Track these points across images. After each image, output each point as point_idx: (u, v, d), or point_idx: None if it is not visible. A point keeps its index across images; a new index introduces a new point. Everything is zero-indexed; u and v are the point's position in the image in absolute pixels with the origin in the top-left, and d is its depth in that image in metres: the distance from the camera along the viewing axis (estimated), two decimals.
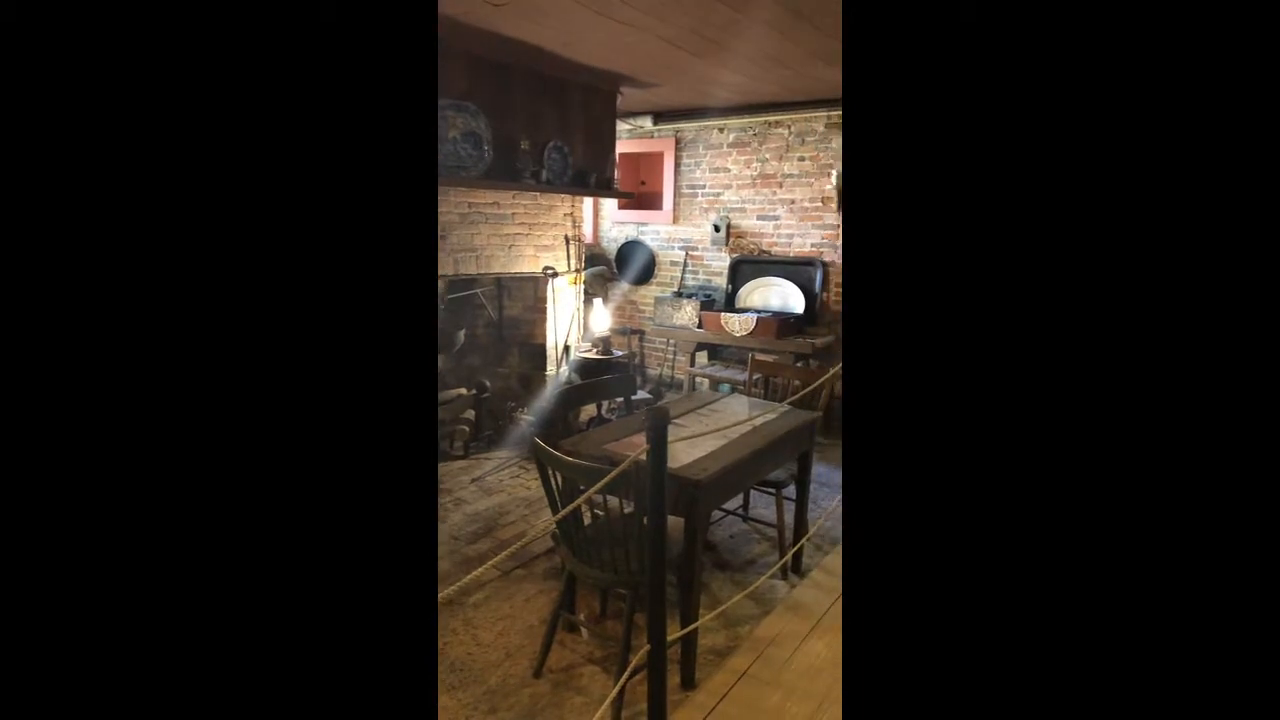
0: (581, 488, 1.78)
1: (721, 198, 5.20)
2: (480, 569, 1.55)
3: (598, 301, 4.56)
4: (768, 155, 4.94)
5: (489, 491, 3.52)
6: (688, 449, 2.21)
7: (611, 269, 5.70)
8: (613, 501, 2.03)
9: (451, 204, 3.52)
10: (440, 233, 3.48)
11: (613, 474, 1.67)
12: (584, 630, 2.34)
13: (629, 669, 1.79)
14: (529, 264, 4.04)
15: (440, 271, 3.54)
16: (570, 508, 1.76)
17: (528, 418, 4.18)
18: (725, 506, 3.10)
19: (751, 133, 4.99)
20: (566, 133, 3.98)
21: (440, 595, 1.86)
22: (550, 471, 1.94)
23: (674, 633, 2.00)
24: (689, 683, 2.06)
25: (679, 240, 5.48)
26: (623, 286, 5.73)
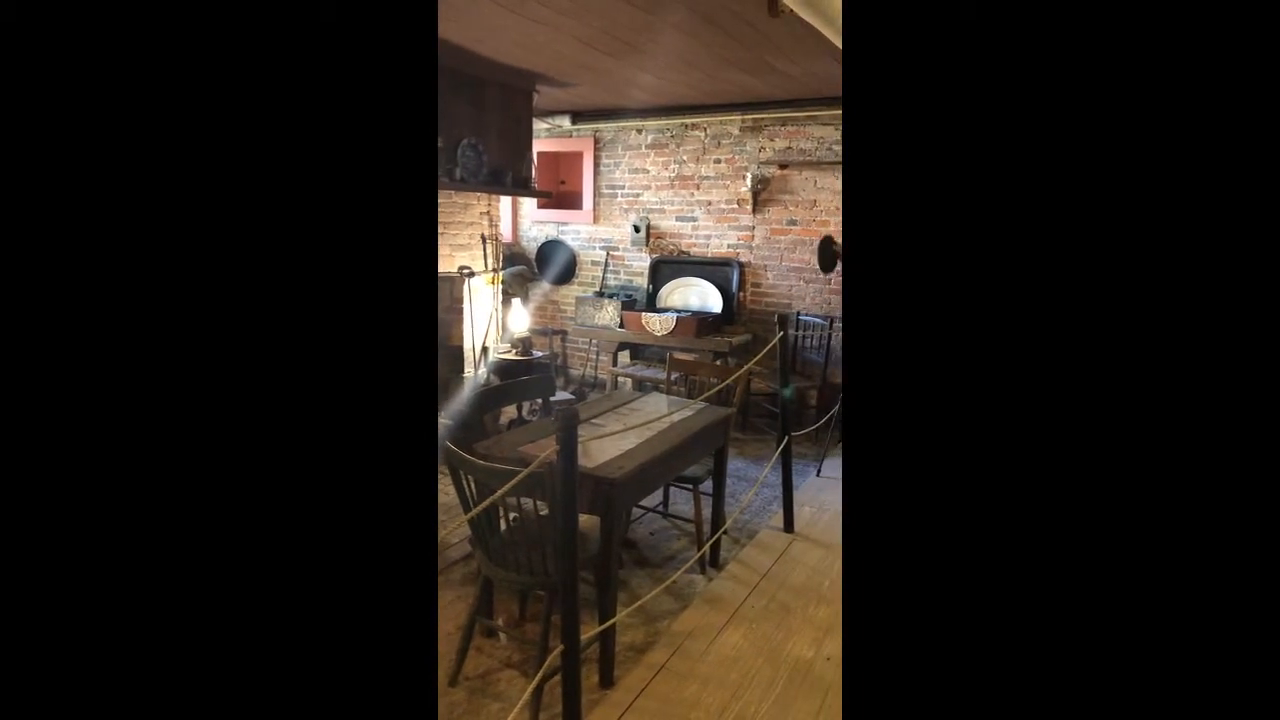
0: (495, 490, 1.76)
1: (641, 198, 5.25)
2: None
3: (517, 301, 4.50)
4: (685, 157, 5.02)
5: None
6: (605, 447, 2.22)
7: (532, 269, 5.65)
8: (528, 504, 2.01)
9: None
10: None
11: (521, 475, 1.66)
12: (502, 635, 2.31)
13: (544, 670, 1.78)
14: (444, 263, 3.95)
15: None
16: (479, 508, 1.74)
17: (444, 421, 4.08)
18: (645, 504, 3.13)
19: (669, 134, 5.05)
20: (481, 130, 3.92)
21: None
22: (463, 476, 1.90)
23: (592, 631, 2.00)
24: (607, 681, 2.07)
25: (600, 240, 5.48)
26: (544, 286, 5.69)
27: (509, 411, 4.19)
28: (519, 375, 3.98)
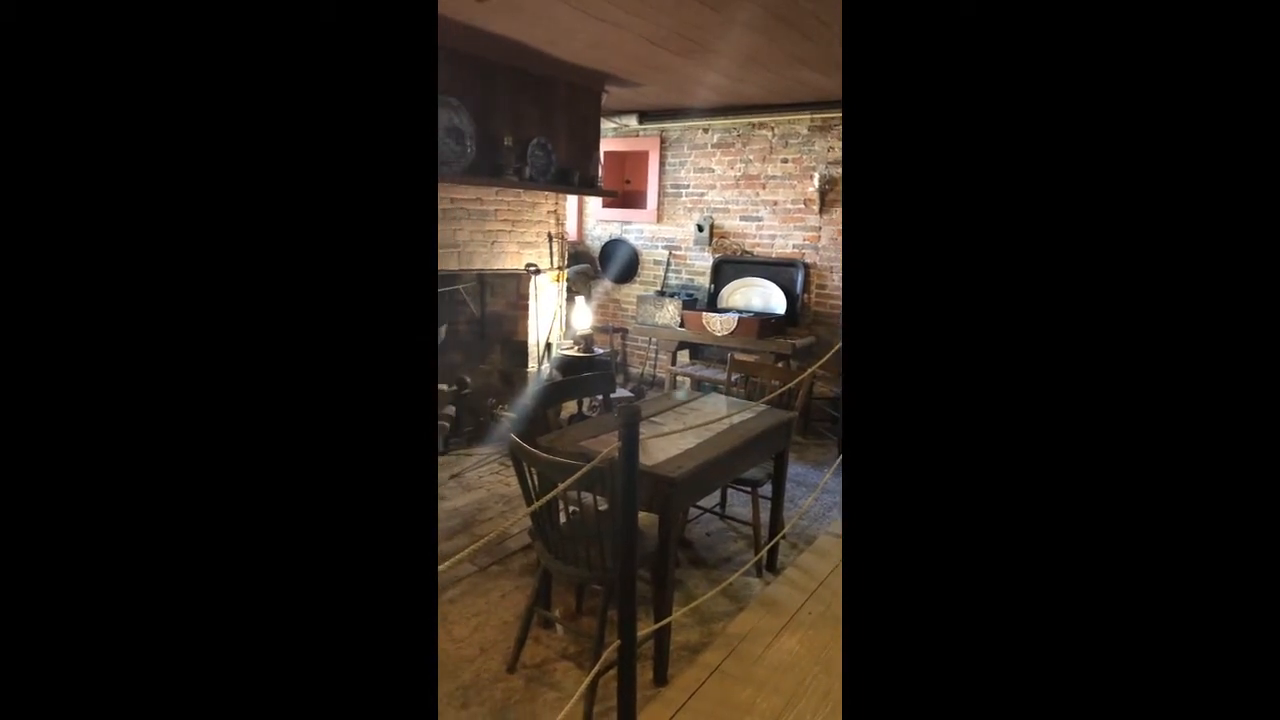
0: (556, 484, 1.79)
1: (705, 198, 5.23)
2: (451, 561, 1.55)
3: (580, 299, 4.56)
4: (751, 156, 4.97)
5: (468, 488, 3.51)
6: (664, 446, 2.23)
7: (595, 267, 5.71)
8: (587, 498, 2.04)
9: None
10: None
11: (584, 470, 1.69)
12: (559, 626, 2.35)
13: (600, 664, 1.80)
14: (511, 261, 4.04)
15: None
16: (542, 501, 1.78)
17: (508, 414, 4.18)
18: (702, 504, 3.12)
19: (736, 134, 5.02)
20: (550, 130, 3.98)
21: None
22: (526, 468, 1.95)
23: (647, 628, 2.01)
24: (661, 678, 2.08)
25: (663, 239, 5.49)
26: (605, 284, 5.74)
27: (570, 406, 4.25)
28: (580, 372, 4.04)
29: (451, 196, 3.60)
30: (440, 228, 3.57)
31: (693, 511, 3.14)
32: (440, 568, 1.56)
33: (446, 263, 3.64)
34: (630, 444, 1.56)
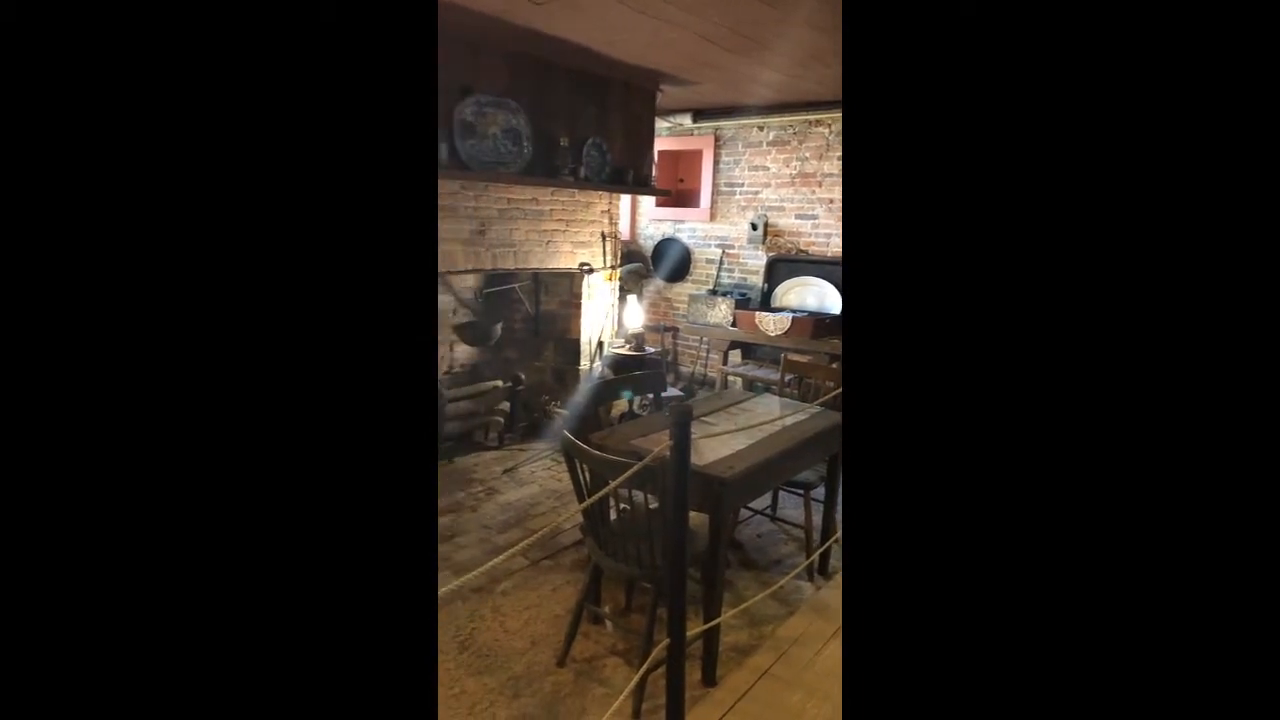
0: (608, 481, 1.81)
1: (760, 196, 5.18)
2: (505, 554, 1.59)
3: (632, 298, 4.59)
4: (807, 154, 4.90)
5: (521, 483, 3.58)
6: (715, 446, 2.22)
7: (647, 266, 5.73)
8: (638, 496, 2.05)
9: (491, 199, 3.58)
10: (479, 227, 3.55)
11: (635, 468, 1.70)
12: (608, 622, 2.37)
13: (649, 662, 1.81)
14: (565, 260, 4.09)
15: (479, 266, 3.61)
16: (594, 499, 1.79)
17: (561, 411, 4.23)
18: (753, 506, 3.09)
19: (791, 131, 4.95)
20: (605, 130, 4.01)
21: (469, 582, 1.92)
22: (578, 464, 1.97)
23: (696, 628, 2.01)
24: (710, 679, 2.07)
25: (715, 238, 5.46)
26: (657, 283, 5.75)
27: (620, 404, 4.28)
28: (631, 370, 4.06)
29: (508, 197, 3.67)
30: (497, 227, 3.64)
31: (744, 513, 3.12)
32: (494, 561, 1.60)
33: (503, 262, 3.71)
34: (682, 443, 1.56)
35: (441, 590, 1.48)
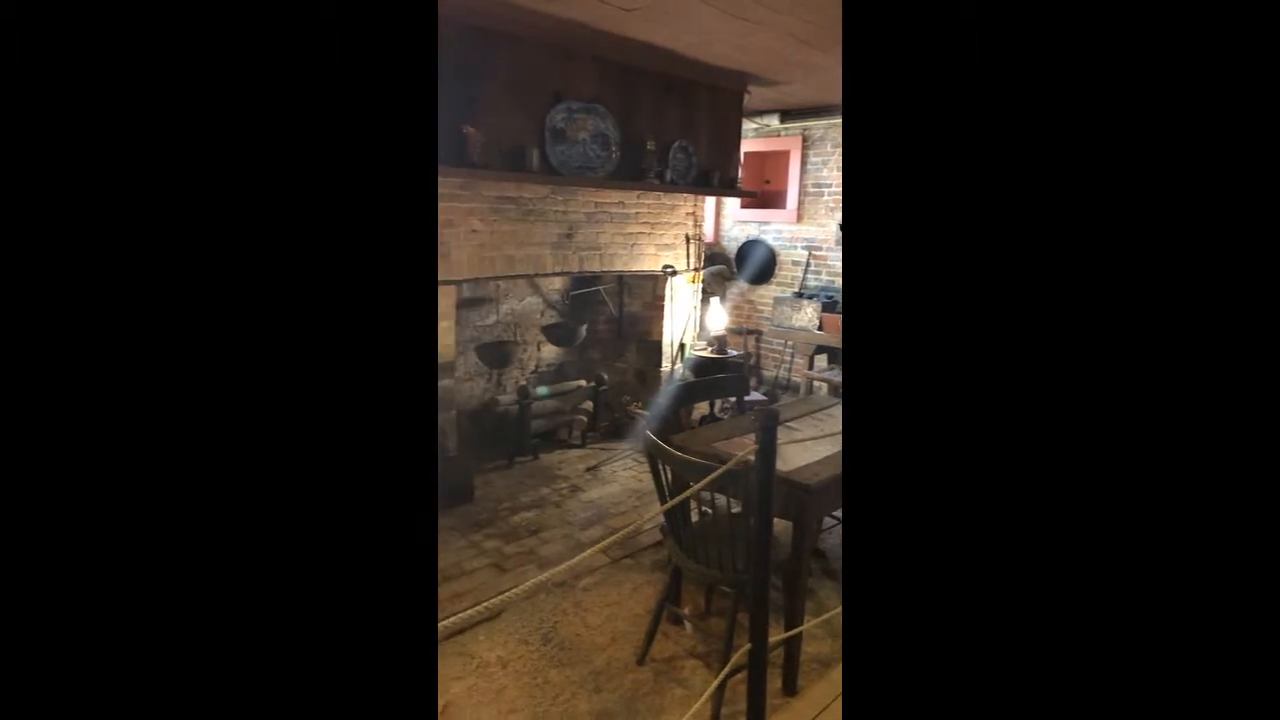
0: (690, 483, 1.81)
1: None
2: (589, 551, 1.62)
3: (715, 300, 4.57)
4: None
5: (603, 481, 3.64)
6: (800, 452, 2.18)
7: (731, 268, 5.69)
8: (720, 499, 2.04)
9: (579, 203, 3.66)
10: (567, 231, 3.64)
11: (719, 471, 1.69)
12: (687, 624, 2.37)
13: (730, 666, 1.80)
14: (649, 262, 4.13)
15: (566, 269, 3.70)
16: (677, 500, 1.80)
17: (641, 411, 4.27)
18: (837, 514, 3.01)
19: None
20: (692, 132, 4.02)
21: (552, 577, 1.97)
22: (661, 466, 1.99)
23: (777, 636, 1.98)
24: (791, 688, 2.04)
25: (802, 240, 5.36)
26: (741, 286, 5.70)
27: (701, 407, 4.27)
28: (713, 373, 4.04)
29: (596, 200, 3.74)
30: (584, 231, 3.72)
31: (827, 521, 3.04)
32: (578, 557, 1.64)
33: (589, 264, 3.79)
34: (768, 448, 1.54)
35: (527, 584, 1.53)
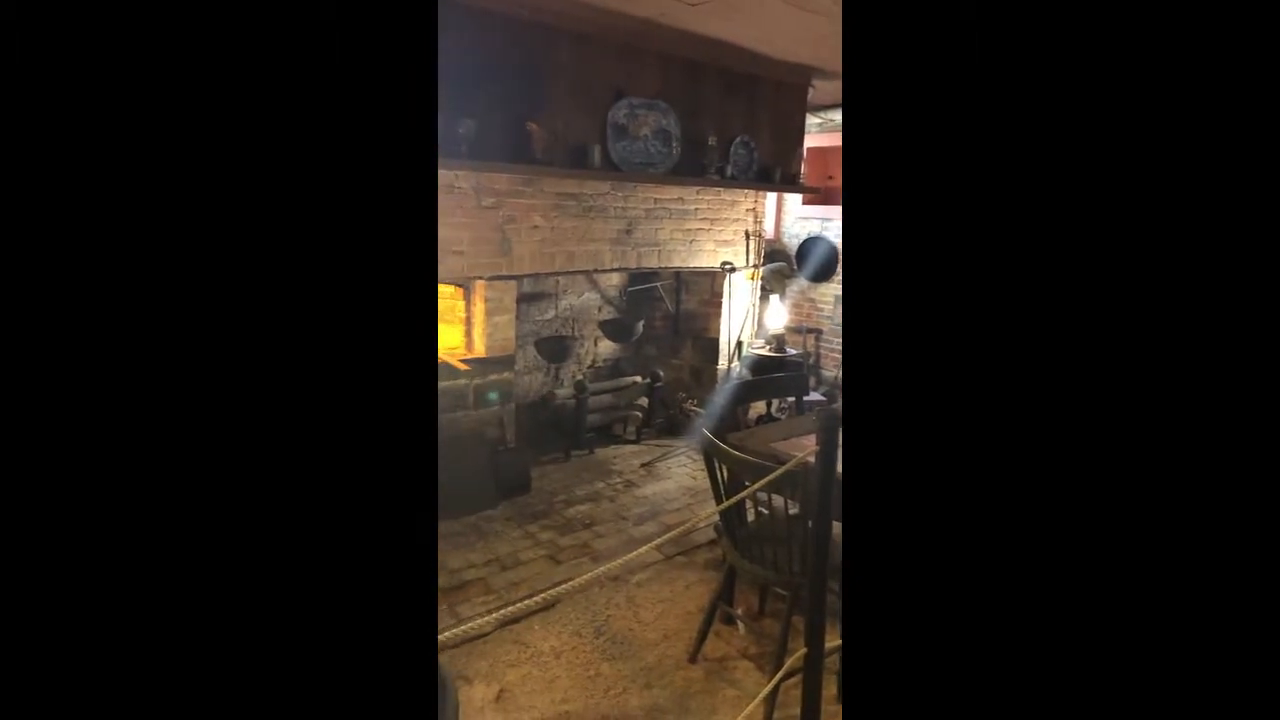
0: (746, 483, 1.79)
1: None
2: (645, 548, 1.63)
3: (774, 298, 4.50)
4: None
5: (658, 477, 3.64)
6: None
7: (791, 265, 5.59)
8: (777, 500, 2.01)
9: (639, 199, 3.67)
10: (626, 227, 3.65)
11: (778, 472, 1.67)
12: (740, 625, 2.35)
13: (784, 670, 1.78)
14: (708, 259, 4.10)
15: (624, 265, 3.71)
16: (733, 500, 1.79)
17: (697, 409, 4.25)
18: None
19: None
20: (754, 128, 3.97)
21: (606, 571, 1.99)
22: (717, 464, 1.97)
23: (833, 641, 1.94)
24: None
25: None
26: (801, 283, 5.60)
27: (758, 406, 4.22)
28: (771, 372, 3.99)
29: (655, 197, 3.73)
30: (643, 227, 3.72)
31: None
32: (636, 553, 1.64)
33: (647, 261, 3.79)
34: (829, 450, 1.51)
35: (581, 578, 1.54)
